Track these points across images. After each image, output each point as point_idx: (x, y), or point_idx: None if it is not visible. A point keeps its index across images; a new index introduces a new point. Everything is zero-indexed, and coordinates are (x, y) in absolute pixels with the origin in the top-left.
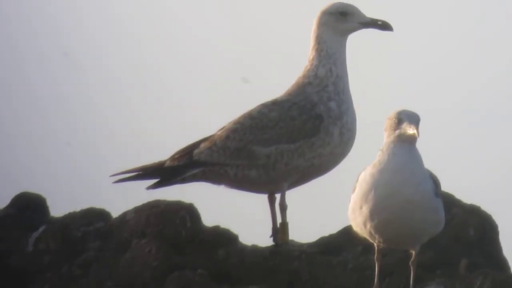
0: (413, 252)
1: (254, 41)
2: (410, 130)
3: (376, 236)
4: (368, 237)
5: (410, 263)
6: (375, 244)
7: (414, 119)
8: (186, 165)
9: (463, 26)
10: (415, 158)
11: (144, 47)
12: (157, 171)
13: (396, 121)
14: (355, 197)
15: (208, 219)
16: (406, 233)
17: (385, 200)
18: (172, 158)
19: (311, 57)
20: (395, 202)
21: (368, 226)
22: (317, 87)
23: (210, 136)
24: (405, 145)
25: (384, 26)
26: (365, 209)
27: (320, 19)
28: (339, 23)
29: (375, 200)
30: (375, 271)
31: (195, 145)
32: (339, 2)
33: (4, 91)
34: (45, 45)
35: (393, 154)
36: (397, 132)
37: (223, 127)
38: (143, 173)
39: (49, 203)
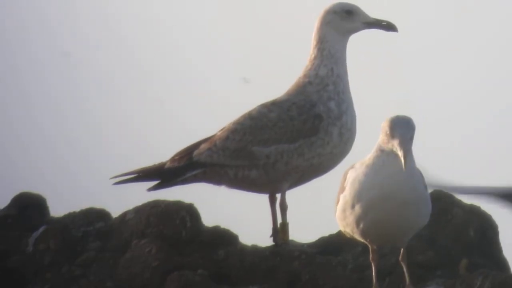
0: (402, 248)
1: (254, 41)
2: (400, 154)
3: (369, 234)
4: (358, 237)
5: (400, 259)
6: (369, 244)
7: (406, 135)
8: (186, 166)
9: (465, 26)
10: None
11: (143, 47)
12: (157, 173)
13: (389, 131)
14: (346, 196)
15: (208, 219)
16: (398, 231)
17: (380, 201)
18: (172, 159)
19: (313, 56)
20: (390, 204)
21: (361, 225)
22: (317, 86)
23: (210, 137)
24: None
25: (389, 26)
26: (358, 208)
27: (324, 18)
28: (344, 22)
29: (369, 200)
30: (372, 272)
31: (195, 146)
32: (344, 1)
33: (3, 91)
34: (43, 45)
35: (388, 159)
36: (390, 147)
37: (223, 128)
38: (144, 175)
39: (49, 203)
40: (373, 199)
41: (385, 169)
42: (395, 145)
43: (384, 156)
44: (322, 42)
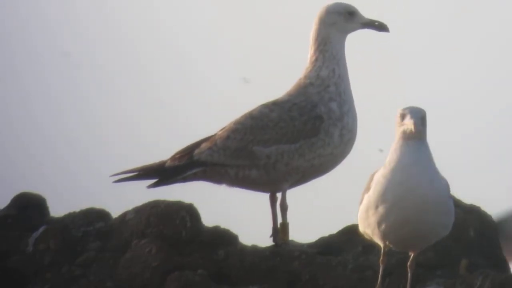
0: (412, 254)
1: (254, 41)
2: (409, 125)
3: (390, 237)
4: (378, 239)
5: (408, 265)
6: (381, 247)
7: (416, 114)
8: (186, 165)
9: (464, 26)
10: (425, 154)
11: (143, 47)
12: (157, 171)
13: (400, 117)
14: (370, 197)
15: (208, 219)
16: (419, 234)
17: (402, 200)
18: (173, 158)
19: (314, 58)
20: (412, 201)
21: (383, 226)
22: (319, 87)
23: (211, 136)
24: (412, 142)
25: (381, 27)
26: (381, 209)
27: (329, 18)
28: (347, 23)
29: (392, 200)
30: (379, 273)
31: (196, 145)
32: (344, 2)
33: (3, 91)
34: (43, 45)
35: (402, 152)
36: (401, 128)
37: (224, 127)
38: (144, 173)
39: (49, 203)
40: (395, 199)
41: (400, 164)
42: (406, 122)
43: (397, 151)
44: (326, 44)
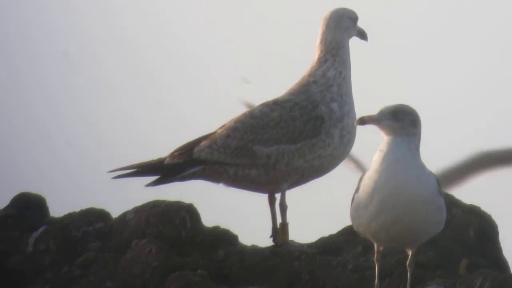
0: (410, 254)
1: (254, 41)
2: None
3: (381, 235)
4: (370, 237)
5: (407, 264)
6: (375, 245)
7: (383, 109)
8: (186, 163)
9: (463, 25)
10: (407, 151)
11: (143, 46)
12: (156, 168)
13: None
14: (360, 197)
15: (208, 219)
16: (410, 232)
17: (390, 198)
18: (172, 155)
19: (323, 59)
20: (400, 199)
21: (374, 225)
22: (322, 86)
23: (211, 134)
24: (392, 139)
25: (362, 34)
26: (371, 208)
27: (344, 23)
28: (354, 28)
29: (380, 200)
30: (375, 272)
31: (195, 142)
32: (350, 8)
33: (3, 91)
34: (43, 45)
35: (383, 151)
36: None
37: (224, 125)
38: (142, 170)
39: (49, 203)
40: (384, 198)
41: (383, 163)
42: None
43: (380, 150)
44: (339, 48)
